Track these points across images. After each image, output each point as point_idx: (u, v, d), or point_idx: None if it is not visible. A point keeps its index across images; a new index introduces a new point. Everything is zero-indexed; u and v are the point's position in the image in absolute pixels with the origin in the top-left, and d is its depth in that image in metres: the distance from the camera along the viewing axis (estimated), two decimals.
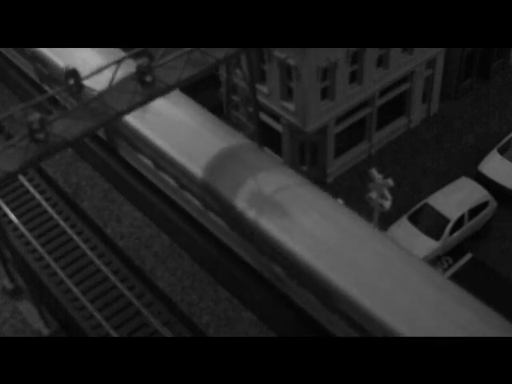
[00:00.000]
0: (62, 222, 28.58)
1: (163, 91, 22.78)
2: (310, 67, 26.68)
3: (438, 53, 32.38)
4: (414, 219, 27.74)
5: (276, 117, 29.95)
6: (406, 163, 31.99)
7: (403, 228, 27.56)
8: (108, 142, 28.88)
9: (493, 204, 28.47)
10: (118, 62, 22.12)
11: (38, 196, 29.87)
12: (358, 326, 19.75)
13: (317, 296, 21.00)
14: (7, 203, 29.70)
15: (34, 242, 27.79)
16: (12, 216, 29.01)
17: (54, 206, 29.47)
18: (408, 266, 19.56)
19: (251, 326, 25.27)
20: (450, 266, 27.01)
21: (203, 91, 33.89)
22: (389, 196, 25.77)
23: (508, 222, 29.02)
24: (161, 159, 25.06)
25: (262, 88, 29.30)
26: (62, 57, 29.16)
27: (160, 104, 25.84)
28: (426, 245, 26.82)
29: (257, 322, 25.35)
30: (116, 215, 29.89)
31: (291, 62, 26.92)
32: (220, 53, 24.08)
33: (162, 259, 27.90)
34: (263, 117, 30.01)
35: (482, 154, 31.88)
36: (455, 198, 28.02)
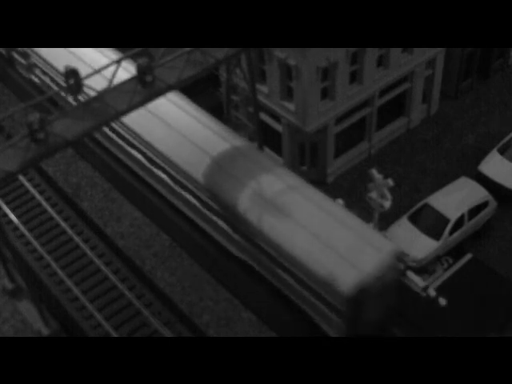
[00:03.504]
0: (62, 222, 28.57)
1: (163, 91, 22.79)
2: (310, 67, 26.67)
3: (437, 53, 32.37)
4: (413, 219, 27.73)
5: (276, 117, 29.94)
6: (405, 163, 31.98)
7: (403, 228, 27.55)
8: None
9: (493, 204, 28.46)
10: (118, 62, 22.13)
11: (38, 196, 29.86)
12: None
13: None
14: (7, 203, 29.70)
15: (34, 242, 27.78)
16: (12, 216, 29.00)
17: (53, 206, 29.46)
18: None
19: (251, 325, 25.27)
20: (450, 265, 27.01)
21: (203, 91, 33.88)
22: (389, 196, 25.76)
23: (508, 222, 29.00)
24: None
25: (262, 88, 29.30)
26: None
27: None
28: (426, 245, 26.81)
29: (257, 322, 25.35)
30: (116, 215, 29.88)
31: (291, 61, 26.91)
32: (220, 53, 24.07)
33: (162, 259, 27.89)
34: (263, 117, 30.00)
35: (482, 154, 31.86)
36: (455, 198, 28.00)
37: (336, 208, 22.00)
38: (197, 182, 23.82)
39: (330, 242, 20.86)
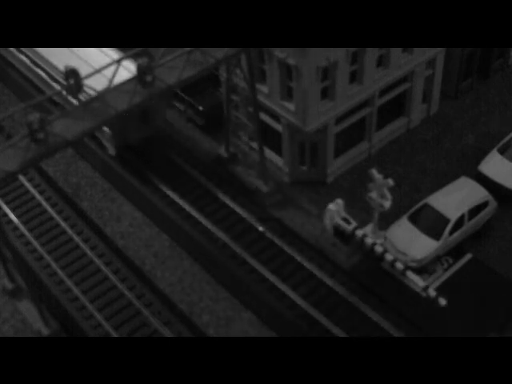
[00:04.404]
0: (62, 222, 28.57)
1: (163, 91, 22.80)
2: (310, 67, 26.67)
3: (437, 53, 32.36)
4: (413, 219, 27.72)
5: (276, 117, 29.94)
6: (405, 163, 31.97)
7: (403, 228, 27.54)
8: None
9: (493, 204, 28.45)
10: (118, 62, 22.15)
11: (38, 196, 29.86)
12: None
13: None
14: (7, 203, 29.69)
15: (34, 242, 27.77)
16: (12, 216, 29.00)
17: (53, 206, 29.46)
18: None
19: (251, 325, 25.28)
20: (450, 265, 27.00)
21: (203, 91, 33.88)
22: (389, 196, 25.76)
23: (508, 222, 28.99)
24: None
25: (262, 88, 29.29)
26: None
27: None
28: (426, 245, 26.80)
29: (257, 322, 25.36)
30: (116, 215, 29.88)
31: (291, 61, 26.90)
32: (220, 53, 24.09)
33: (162, 259, 27.90)
34: (263, 117, 29.99)
35: (481, 154, 31.84)
36: (455, 198, 27.97)
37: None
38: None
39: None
